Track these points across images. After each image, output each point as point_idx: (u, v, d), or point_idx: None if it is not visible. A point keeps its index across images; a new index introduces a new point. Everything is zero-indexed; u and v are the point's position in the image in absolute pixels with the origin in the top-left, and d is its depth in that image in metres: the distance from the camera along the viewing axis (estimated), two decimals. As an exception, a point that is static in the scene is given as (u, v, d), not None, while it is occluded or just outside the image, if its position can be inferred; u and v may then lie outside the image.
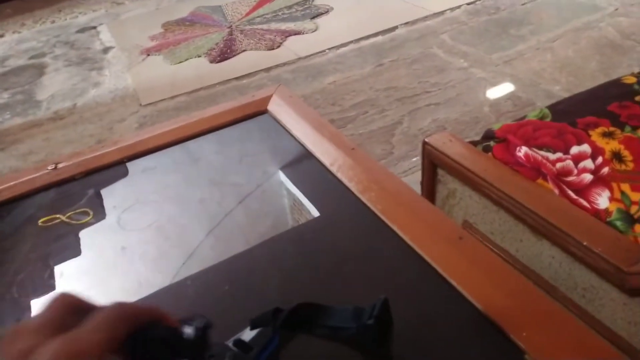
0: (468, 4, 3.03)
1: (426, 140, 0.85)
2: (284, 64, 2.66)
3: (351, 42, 2.75)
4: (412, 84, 2.21)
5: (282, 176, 0.82)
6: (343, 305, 0.56)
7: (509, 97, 2.07)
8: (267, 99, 0.98)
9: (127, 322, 0.31)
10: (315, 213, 0.72)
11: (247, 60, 2.78)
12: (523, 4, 2.97)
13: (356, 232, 0.68)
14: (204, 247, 0.72)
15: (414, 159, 1.77)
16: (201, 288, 0.62)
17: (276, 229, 0.73)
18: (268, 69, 2.64)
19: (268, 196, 0.80)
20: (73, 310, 0.31)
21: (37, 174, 0.88)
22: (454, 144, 0.83)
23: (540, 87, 2.12)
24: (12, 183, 0.87)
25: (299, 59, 2.68)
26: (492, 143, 0.84)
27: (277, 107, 0.95)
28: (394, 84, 2.23)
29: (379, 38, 2.75)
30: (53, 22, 3.91)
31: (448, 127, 1.92)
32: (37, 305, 0.66)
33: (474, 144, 0.85)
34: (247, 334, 0.56)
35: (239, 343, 0.55)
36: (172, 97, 2.54)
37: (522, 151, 0.79)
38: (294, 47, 2.82)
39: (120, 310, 0.31)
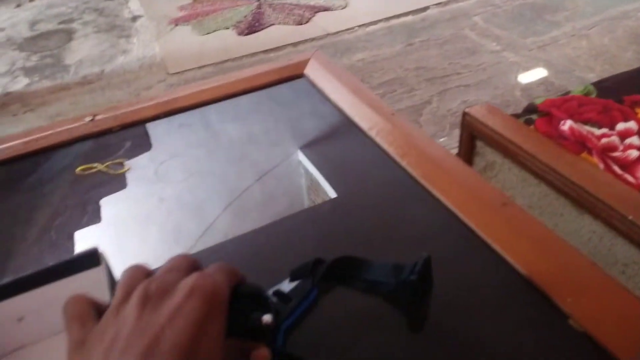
0: (502, -13, 2.97)
1: (466, 110, 0.83)
2: (312, 40, 2.64)
3: (381, 20, 2.71)
4: (442, 65, 2.17)
5: (321, 141, 0.81)
6: (383, 261, 0.56)
7: (542, 82, 2.03)
8: (304, 63, 0.97)
9: (234, 275, 0.36)
10: (351, 183, 0.71)
11: (275, 34, 2.76)
12: (559, -10, 2.90)
13: (395, 197, 0.67)
14: (250, 197, 0.72)
15: (442, 139, 1.75)
16: (246, 246, 0.62)
17: (319, 197, 0.73)
18: (296, 44, 2.63)
19: (295, 171, 0.79)
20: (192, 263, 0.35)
21: (75, 125, 0.88)
22: (496, 115, 0.82)
23: (574, 73, 2.07)
24: (49, 132, 0.88)
25: (328, 35, 2.66)
26: (534, 116, 0.83)
27: (315, 72, 0.94)
28: (423, 64, 2.20)
29: (410, 17, 2.71)
30: (83, -12, 3.92)
31: (477, 109, 1.89)
32: (75, 248, 0.67)
33: (516, 116, 0.84)
34: (286, 286, 0.56)
35: (279, 293, 0.55)
36: (200, 68, 2.54)
37: (567, 125, 0.77)
38: (322, 23, 2.80)
39: (228, 265, 0.36)
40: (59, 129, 0.88)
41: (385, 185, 0.69)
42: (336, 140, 0.80)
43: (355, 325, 0.52)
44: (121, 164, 0.80)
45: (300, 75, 0.95)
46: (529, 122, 0.83)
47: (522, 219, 0.59)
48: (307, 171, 0.76)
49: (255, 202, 0.73)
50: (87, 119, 0.89)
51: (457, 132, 0.79)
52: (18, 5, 3.71)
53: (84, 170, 0.79)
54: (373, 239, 0.61)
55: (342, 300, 0.55)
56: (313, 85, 0.92)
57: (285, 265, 0.55)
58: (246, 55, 2.59)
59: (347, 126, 0.80)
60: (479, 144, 0.83)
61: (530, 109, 0.85)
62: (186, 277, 0.32)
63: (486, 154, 0.83)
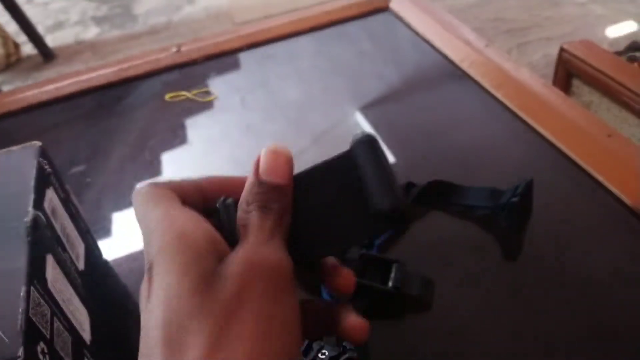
0: None
1: (564, 47, 0.79)
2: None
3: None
4: (522, 16, 2.06)
5: (406, 83, 0.79)
6: (480, 186, 0.55)
7: (631, 36, 1.88)
8: (389, -3, 0.94)
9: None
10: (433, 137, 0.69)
11: (343, -15, 2.70)
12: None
13: (491, 130, 0.65)
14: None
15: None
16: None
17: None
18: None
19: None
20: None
21: (162, 55, 0.90)
22: (596, 52, 0.77)
23: (668, 28, 1.92)
24: (138, 62, 0.90)
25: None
26: (637, 54, 0.77)
27: (400, 5, 0.91)
28: (501, 15, 2.09)
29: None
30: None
31: (557, 63, 1.79)
32: (168, 167, 0.70)
33: (617, 54, 0.78)
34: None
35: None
36: (266, 17, 2.53)
37: (678, 62, 0.71)
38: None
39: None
40: (147, 59, 0.90)
41: (477, 119, 0.67)
42: (422, 80, 0.77)
43: (448, 250, 0.52)
44: (207, 92, 0.81)
45: (385, 9, 0.93)
46: (631, 60, 0.77)
47: (629, 150, 0.56)
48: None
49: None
50: (173, 49, 0.91)
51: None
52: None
53: (172, 97, 0.81)
54: (465, 171, 0.59)
55: (436, 224, 0.54)
56: (398, 18, 0.89)
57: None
58: (315, 4, 2.55)
59: (435, 60, 0.78)
60: (576, 82, 0.79)
61: (633, 47, 0.79)
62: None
63: (583, 93, 0.79)
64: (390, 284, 0.46)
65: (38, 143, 0.50)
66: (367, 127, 0.69)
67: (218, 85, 0.83)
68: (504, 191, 0.53)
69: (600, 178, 0.55)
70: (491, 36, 1.99)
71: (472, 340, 0.44)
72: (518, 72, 0.69)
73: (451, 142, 0.64)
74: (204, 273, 0.22)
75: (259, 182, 0.25)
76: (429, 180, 0.56)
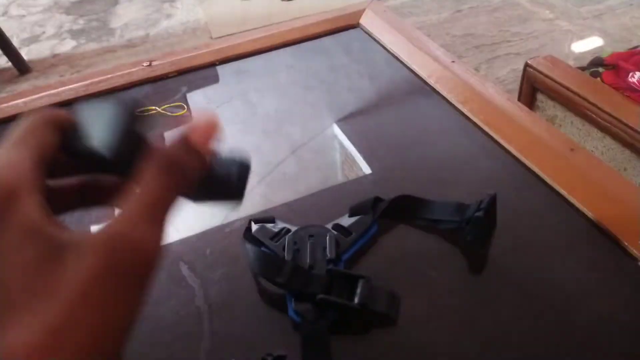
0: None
1: (529, 62, 0.81)
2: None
3: (429, -14, 2.64)
4: (491, 32, 2.11)
5: (373, 99, 0.80)
6: (446, 200, 0.55)
7: (597, 51, 1.95)
8: (360, 13, 0.95)
9: (55, 127, 0.24)
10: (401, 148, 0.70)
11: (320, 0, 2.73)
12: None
13: (458, 144, 0.66)
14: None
15: (489, 107, 1.71)
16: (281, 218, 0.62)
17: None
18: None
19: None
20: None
21: (133, 69, 0.90)
22: (560, 67, 0.79)
23: (632, 43, 1.97)
24: (109, 76, 0.89)
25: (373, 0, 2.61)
26: (600, 69, 0.80)
27: (370, 21, 0.92)
28: (472, 31, 2.14)
29: (459, -16, 2.63)
30: (128, -47, 3.93)
31: (527, 78, 1.84)
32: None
33: (581, 70, 0.81)
34: (346, 220, 0.56)
35: (338, 227, 0.55)
36: (243, 32, 2.54)
37: (636, 76, 0.74)
38: (367, -11, 2.74)
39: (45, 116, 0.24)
40: (118, 74, 0.89)
41: (444, 134, 0.68)
42: (393, 95, 0.78)
43: (415, 263, 0.52)
44: (179, 107, 0.81)
45: (355, 26, 0.94)
46: (594, 75, 0.79)
47: (592, 164, 0.58)
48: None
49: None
50: (144, 64, 0.90)
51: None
52: (66, -30, 3.76)
53: (142, 112, 0.81)
54: (431, 183, 0.60)
55: (403, 238, 0.55)
56: (369, 35, 0.90)
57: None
58: (290, 20, 2.57)
59: (405, 76, 0.79)
60: (540, 97, 0.81)
61: (596, 62, 0.82)
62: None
63: (547, 107, 0.81)
64: (356, 300, 0.47)
65: None
66: (343, 139, 0.70)
67: (191, 99, 0.83)
68: (469, 205, 0.53)
69: (563, 192, 0.56)
70: (461, 51, 2.03)
71: (438, 354, 0.44)
72: (483, 87, 0.70)
73: (420, 156, 0.65)
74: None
75: (185, 141, 0.24)
76: (397, 193, 0.56)
